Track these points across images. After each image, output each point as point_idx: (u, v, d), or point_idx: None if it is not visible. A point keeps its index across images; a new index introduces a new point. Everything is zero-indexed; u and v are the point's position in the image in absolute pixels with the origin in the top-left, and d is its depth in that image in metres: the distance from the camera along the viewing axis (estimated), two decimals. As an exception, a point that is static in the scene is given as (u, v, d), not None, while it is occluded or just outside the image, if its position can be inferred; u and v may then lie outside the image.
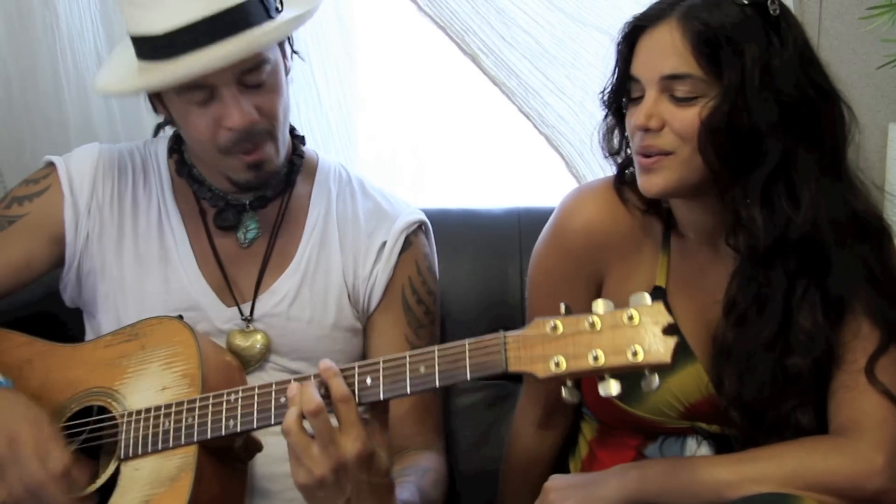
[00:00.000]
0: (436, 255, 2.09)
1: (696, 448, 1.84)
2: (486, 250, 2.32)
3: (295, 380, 1.61)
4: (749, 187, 1.66)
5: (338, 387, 1.55)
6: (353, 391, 1.57)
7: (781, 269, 1.69)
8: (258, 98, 1.83)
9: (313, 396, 1.54)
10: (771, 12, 1.63)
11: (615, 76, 1.75)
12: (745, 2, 1.63)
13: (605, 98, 1.78)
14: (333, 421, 1.55)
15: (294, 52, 1.96)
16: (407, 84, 2.52)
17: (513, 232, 2.30)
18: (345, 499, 1.56)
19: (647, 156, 1.68)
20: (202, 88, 1.80)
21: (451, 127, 2.55)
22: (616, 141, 1.81)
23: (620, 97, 1.75)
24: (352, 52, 2.47)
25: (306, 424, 1.56)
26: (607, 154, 1.83)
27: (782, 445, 1.68)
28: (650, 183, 1.70)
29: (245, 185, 1.93)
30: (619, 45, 1.73)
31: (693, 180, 1.68)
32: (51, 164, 2.02)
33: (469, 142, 2.56)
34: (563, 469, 2.03)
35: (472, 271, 2.30)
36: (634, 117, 1.68)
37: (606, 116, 1.80)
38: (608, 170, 2.02)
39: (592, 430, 1.97)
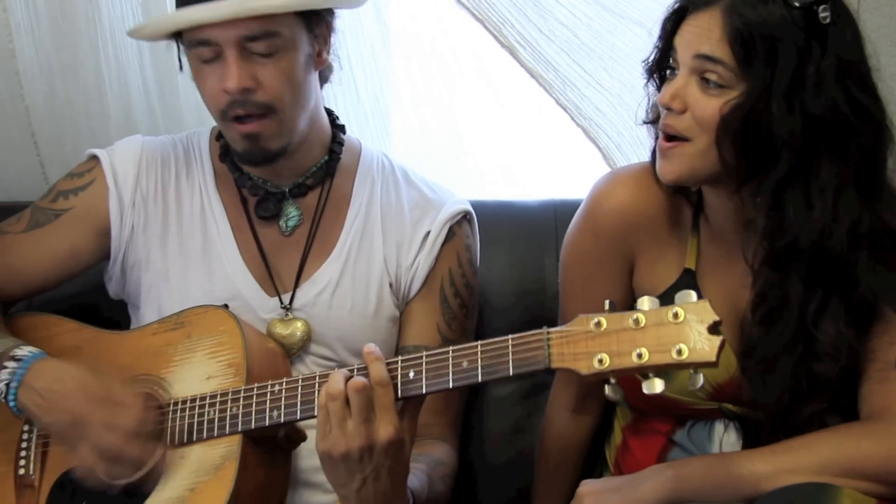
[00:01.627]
0: (478, 244, 2.10)
1: (724, 433, 1.85)
2: (522, 243, 2.32)
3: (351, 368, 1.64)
4: (761, 189, 1.67)
5: (378, 371, 1.58)
6: (396, 385, 1.59)
7: (796, 276, 1.69)
8: (262, 70, 1.83)
9: (360, 378, 1.58)
10: (820, 20, 1.62)
11: (657, 47, 1.76)
12: (796, 4, 1.62)
13: (648, 67, 1.79)
14: None
15: (324, 49, 1.95)
16: (444, 77, 2.51)
17: (549, 224, 2.31)
18: (362, 477, 1.60)
19: (667, 137, 1.70)
20: (207, 45, 1.83)
21: (488, 119, 2.55)
22: (655, 111, 1.81)
23: (661, 68, 1.76)
24: (389, 45, 2.47)
25: None
26: (644, 122, 1.84)
27: (815, 434, 1.69)
28: (664, 169, 1.72)
29: (243, 157, 1.93)
30: (665, 20, 1.74)
31: (707, 171, 1.69)
32: (94, 158, 2.04)
33: (505, 134, 2.56)
34: (599, 455, 2.05)
35: (508, 263, 2.31)
36: (661, 94, 1.71)
37: (647, 84, 1.81)
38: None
39: (627, 417, 1.99)
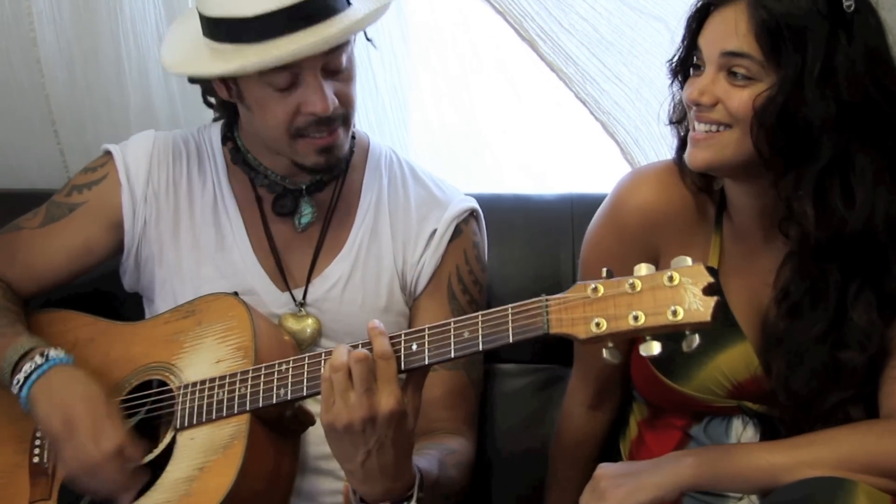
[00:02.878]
0: (486, 241, 2.11)
1: (742, 430, 1.86)
2: (538, 236, 2.33)
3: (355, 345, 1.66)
4: (802, 180, 1.67)
5: (381, 344, 1.61)
6: (400, 358, 1.62)
7: (836, 265, 1.70)
8: (337, 85, 1.87)
9: (361, 349, 1.61)
10: (844, 8, 1.63)
11: (682, 47, 1.77)
12: None
13: (672, 67, 1.80)
14: None
15: (369, 38, 1.99)
16: (463, 69, 2.53)
17: (565, 218, 2.32)
18: (366, 449, 1.62)
19: (697, 129, 1.71)
20: (285, 72, 1.82)
21: (506, 112, 2.56)
22: (679, 110, 1.83)
23: (685, 67, 1.77)
24: (408, 37, 2.48)
25: None
26: (669, 122, 1.85)
27: (836, 429, 1.69)
28: (695, 157, 1.73)
29: (312, 169, 1.96)
30: (689, 19, 1.75)
31: (740, 161, 1.70)
32: (108, 153, 2.08)
33: (523, 128, 2.57)
34: (614, 450, 2.06)
35: (523, 257, 2.31)
36: (689, 91, 1.71)
37: (672, 84, 1.82)
38: (662, 157, 2.04)
39: (643, 412, 1.99)
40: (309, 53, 1.79)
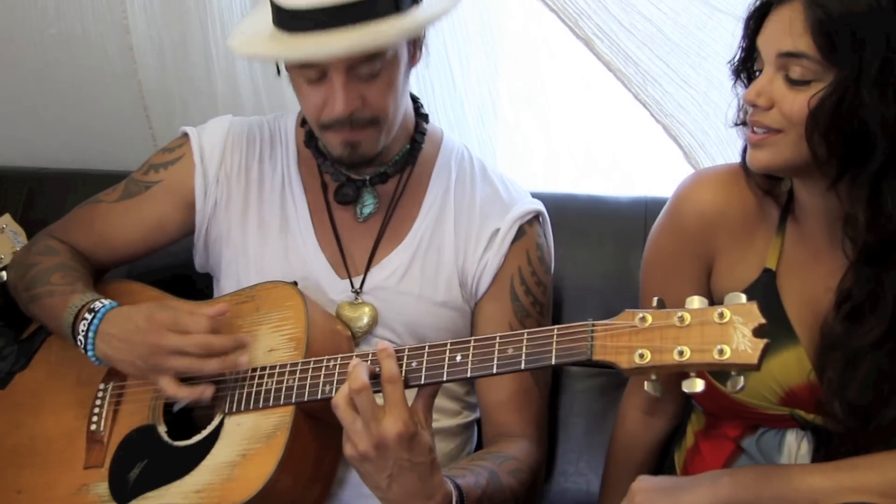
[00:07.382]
0: (552, 244, 2.00)
1: (796, 446, 1.71)
2: (610, 238, 2.21)
3: (364, 356, 1.60)
4: (858, 182, 1.52)
5: (388, 368, 1.54)
6: (443, 367, 1.54)
7: (893, 269, 1.55)
8: (367, 89, 1.76)
9: (360, 375, 1.53)
10: None
11: (741, 48, 1.64)
12: None
13: (734, 68, 1.67)
14: (380, 399, 1.54)
15: (418, 48, 1.85)
16: (541, 68, 2.42)
17: (638, 221, 2.19)
18: (387, 474, 1.55)
19: (755, 131, 1.58)
20: (314, 67, 1.75)
21: (581, 111, 2.44)
22: (744, 112, 1.68)
23: (748, 68, 1.64)
24: (487, 35, 2.37)
25: None
26: (734, 124, 1.72)
27: (884, 454, 1.55)
28: (755, 158, 1.60)
29: (338, 161, 1.87)
30: (747, 19, 1.61)
31: (798, 163, 1.55)
32: (185, 135, 2.02)
33: (598, 127, 2.45)
34: (669, 458, 1.92)
35: (595, 258, 2.20)
36: (746, 92, 1.58)
37: (735, 85, 1.69)
38: (731, 162, 1.87)
39: (700, 422, 1.86)
40: (319, 58, 1.71)
